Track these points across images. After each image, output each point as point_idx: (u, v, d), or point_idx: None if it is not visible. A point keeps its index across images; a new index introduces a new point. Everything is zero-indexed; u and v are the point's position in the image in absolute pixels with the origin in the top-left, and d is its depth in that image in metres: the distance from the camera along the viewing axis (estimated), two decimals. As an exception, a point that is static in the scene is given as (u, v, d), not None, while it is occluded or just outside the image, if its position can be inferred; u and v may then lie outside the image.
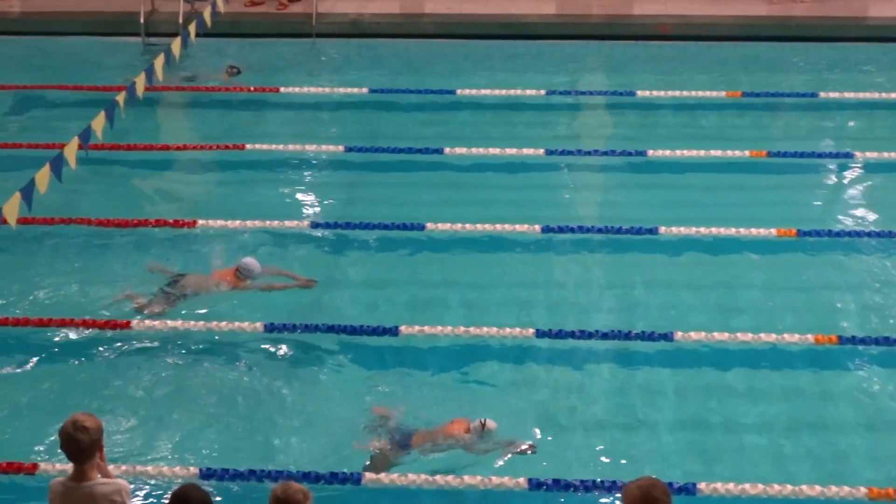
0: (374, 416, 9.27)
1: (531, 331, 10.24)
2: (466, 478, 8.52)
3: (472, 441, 8.95)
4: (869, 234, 11.86)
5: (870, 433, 9.29)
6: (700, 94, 15.10)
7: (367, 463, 8.82)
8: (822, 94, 15.13)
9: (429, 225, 11.84)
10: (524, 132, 14.41)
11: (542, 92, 15.15)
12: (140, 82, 12.86)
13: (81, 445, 6.58)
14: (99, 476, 6.73)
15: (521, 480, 8.52)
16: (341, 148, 13.73)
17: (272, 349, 10.27)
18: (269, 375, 9.93)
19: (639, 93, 15.10)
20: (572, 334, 10.22)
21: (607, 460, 8.97)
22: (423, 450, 8.96)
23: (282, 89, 15.33)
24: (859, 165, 13.48)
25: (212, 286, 10.98)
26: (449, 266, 11.56)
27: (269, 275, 11.14)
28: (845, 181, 13.33)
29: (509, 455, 8.94)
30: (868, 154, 13.53)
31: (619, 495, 8.02)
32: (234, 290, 10.92)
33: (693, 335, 10.13)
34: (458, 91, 15.16)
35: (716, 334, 10.11)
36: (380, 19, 17.81)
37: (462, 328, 10.22)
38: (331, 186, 13.27)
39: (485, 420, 8.96)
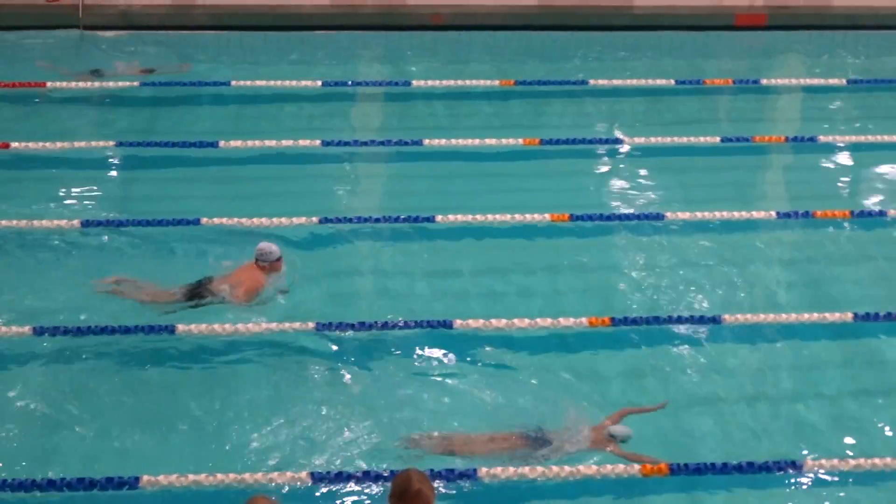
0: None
1: (311, 324, 10.16)
2: (247, 475, 8.41)
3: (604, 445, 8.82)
4: (639, 217, 12.21)
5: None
6: (474, 82, 15.27)
7: None
8: (592, 82, 15.48)
9: (204, 220, 11.63)
10: (300, 123, 14.29)
11: (318, 83, 15.05)
12: None
13: None
14: None
15: (304, 474, 8.47)
16: (112, 143, 13.35)
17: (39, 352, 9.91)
18: (41, 381, 9.59)
19: (414, 83, 15.16)
20: (353, 326, 10.19)
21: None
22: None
23: (48, 84, 14.78)
24: (628, 150, 13.86)
25: (242, 288, 10.56)
26: (227, 260, 11.34)
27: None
28: (615, 166, 13.65)
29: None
30: (636, 139, 13.93)
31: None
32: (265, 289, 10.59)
33: (472, 322, 10.23)
34: (233, 83, 14.93)
35: (493, 321, 10.24)
36: (150, 10, 17.37)
37: (241, 325, 10.07)
38: (102, 183, 12.87)
39: (613, 433, 8.86)
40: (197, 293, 10.50)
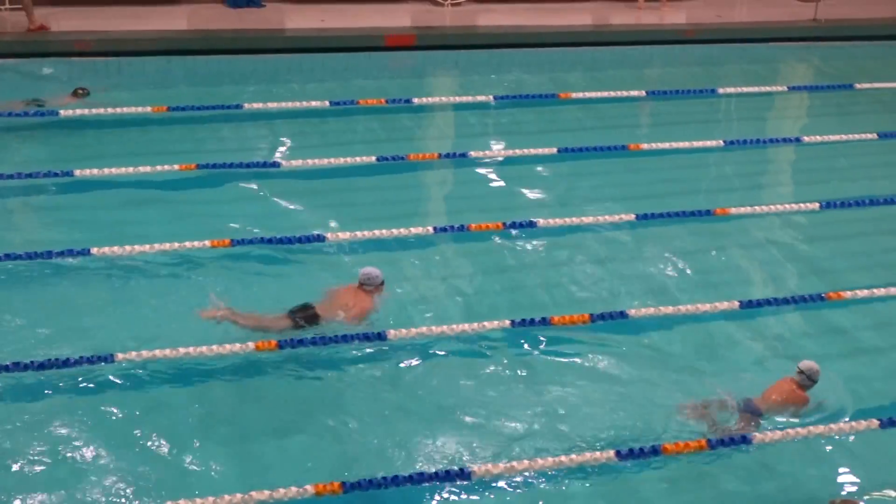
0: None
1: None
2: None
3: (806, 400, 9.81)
4: (300, 240, 12.12)
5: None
6: (125, 110, 14.87)
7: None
8: (248, 105, 15.42)
9: None
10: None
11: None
12: None
13: None
14: None
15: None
16: None
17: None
18: None
19: (62, 112, 14.61)
20: (67, 362, 9.72)
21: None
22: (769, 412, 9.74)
23: None
24: (286, 173, 13.86)
25: (343, 311, 10.60)
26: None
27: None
28: (274, 189, 13.55)
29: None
30: (294, 162, 14.00)
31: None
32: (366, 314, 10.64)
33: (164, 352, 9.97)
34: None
35: (185, 349, 9.99)
36: None
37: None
38: None
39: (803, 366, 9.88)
40: (302, 319, 10.48)
